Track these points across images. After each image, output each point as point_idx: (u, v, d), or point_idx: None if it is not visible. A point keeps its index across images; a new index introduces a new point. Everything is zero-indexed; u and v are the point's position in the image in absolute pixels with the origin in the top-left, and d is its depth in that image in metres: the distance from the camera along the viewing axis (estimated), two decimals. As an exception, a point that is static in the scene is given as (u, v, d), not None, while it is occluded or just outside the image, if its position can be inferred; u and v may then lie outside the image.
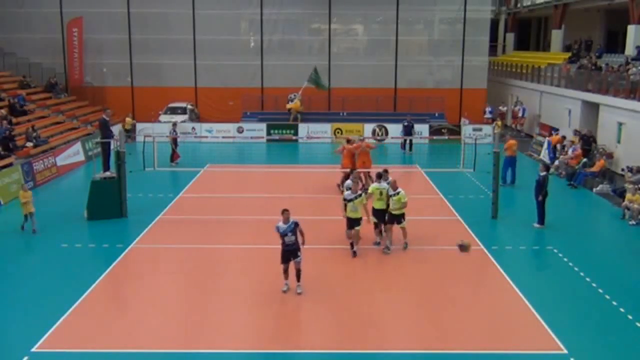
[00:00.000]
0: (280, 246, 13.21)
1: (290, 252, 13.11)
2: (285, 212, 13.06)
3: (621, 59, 30.42)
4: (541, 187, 17.91)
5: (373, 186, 16.16)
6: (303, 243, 13.25)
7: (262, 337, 11.51)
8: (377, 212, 16.01)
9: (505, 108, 39.41)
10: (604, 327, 11.99)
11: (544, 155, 29.02)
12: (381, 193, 15.84)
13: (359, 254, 15.59)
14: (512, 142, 23.70)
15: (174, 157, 26.58)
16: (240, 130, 34.06)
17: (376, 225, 16.23)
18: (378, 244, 16.22)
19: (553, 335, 11.44)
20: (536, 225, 18.26)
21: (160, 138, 26.54)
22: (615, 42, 34.38)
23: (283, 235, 13.02)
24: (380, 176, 16.28)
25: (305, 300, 12.97)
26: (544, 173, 18.01)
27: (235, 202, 20.73)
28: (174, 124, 29.10)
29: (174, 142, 26.97)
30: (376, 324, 11.96)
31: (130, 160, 19.81)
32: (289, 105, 35.40)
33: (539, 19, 50.84)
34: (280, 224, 13.07)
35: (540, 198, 18.03)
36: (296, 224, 13.09)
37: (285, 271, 13.25)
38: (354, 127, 34.38)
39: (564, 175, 24.94)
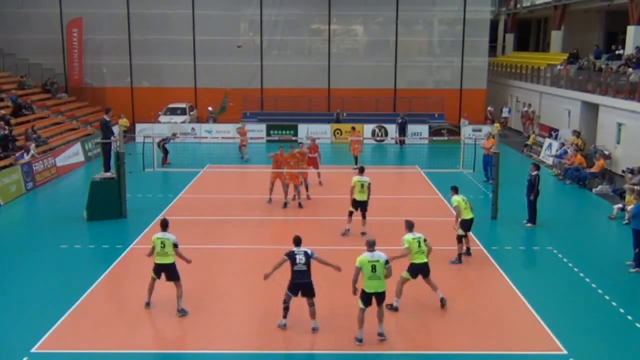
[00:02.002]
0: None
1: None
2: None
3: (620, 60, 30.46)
4: (532, 187, 18.10)
5: (355, 179, 16.91)
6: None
7: (262, 337, 11.50)
8: (357, 203, 16.93)
9: (507, 108, 39.42)
10: (604, 328, 11.99)
11: (547, 155, 29.07)
12: (362, 185, 16.80)
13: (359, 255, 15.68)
14: (488, 141, 23.64)
15: (163, 160, 26.84)
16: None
17: (350, 214, 17.11)
18: (348, 230, 17.14)
19: (553, 336, 11.44)
20: (527, 224, 18.42)
21: (160, 139, 26.58)
22: (615, 43, 34.35)
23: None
24: (362, 170, 17.29)
25: (305, 301, 12.95)
26: (535, 173, 18.17)
27: (235, 202, 20.72)
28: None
29: (164, 148, 27.06)
30: (375, 324, 11.95)
31: (130, 160, 19.82)
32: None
33: (539, 20, 50.89)
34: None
35: (532, 197, 18.20)
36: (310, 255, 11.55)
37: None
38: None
39: (563, 178, 24.96)
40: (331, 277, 14.34)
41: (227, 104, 36.45)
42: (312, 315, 11.64)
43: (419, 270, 12.37)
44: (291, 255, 11.45)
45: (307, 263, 11.42)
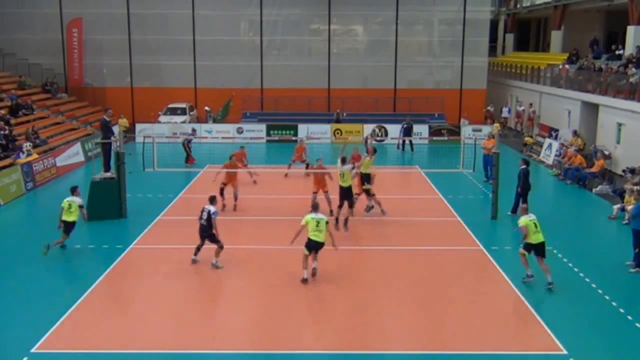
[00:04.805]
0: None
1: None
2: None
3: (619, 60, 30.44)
4: (519, 180, 18.79)
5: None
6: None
7: (262, 337, 11.51)
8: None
9: (507, 108, 39.37)
10: (604, 328, 12.00)
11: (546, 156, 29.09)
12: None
13: (359, 255, 15.74)
14: (487, 141, 23.66)
15: (189, 160, 27.08)
16: (239, 131, 34.11)
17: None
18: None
19: (553, 336, 11.44)
20: (510, 213, 19.06)
21: (160, 139, 26.56)
22: (615, 43, 34.34)
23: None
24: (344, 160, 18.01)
25: (306, 301, 12.98)
26: (523, 167, 18.84)
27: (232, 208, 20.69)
28: (193, 130, 29.50)
29: (188, 145, 27.26)
30: (376, 324, 11.97)
31: (130, 160, 19.81)
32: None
33: (539, 20, 50.88)
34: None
35: (519, 189, 18.82)
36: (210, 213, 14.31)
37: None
38: (353, 128, 34.44)
39: (563, 178, 24.97)
40: (338, 279, 14.37)
41: (229, 107, 36.44)
42: (216, 254, 14.45)
43: (314, 246, 13.78)
44: (201, 211, 14.36)
45: (208, 219, 14.13)
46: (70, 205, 15.60)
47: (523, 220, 13.70)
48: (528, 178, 18.77)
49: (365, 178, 18.42)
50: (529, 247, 13.69)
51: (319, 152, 30.37)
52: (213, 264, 14.49)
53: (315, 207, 14.39)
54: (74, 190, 16.09)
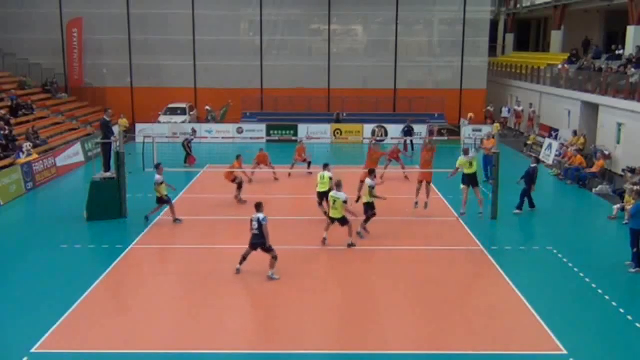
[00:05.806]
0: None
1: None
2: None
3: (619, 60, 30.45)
4: (527, 176, 19.44)
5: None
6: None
7: (262, 337, 11.52)
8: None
9: (507, 108, 39.33)
10: (604, 328, 12.01)
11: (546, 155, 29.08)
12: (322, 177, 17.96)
13: (359, 255, 15.79)
14: (487, 141, 23.72)
15: (189, 159, 27.07)
16: (239, 131, 34.12)
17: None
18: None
19: (552, 336, 11.44)
20: (517, 210, 19.59)
21: (160, 139, 26.56)
22: (615, 43, 34.36)
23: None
24: (326, 166, 18.24)
25: (306, 301, 12.98)
26: (534, 165, 19.55)
27: (235, 202, 20.72)
28: (193, 130, 29.93)
29: (188, 145, 27.30)
30: (376, 324, 11.97)
31: (130, 160, 19.82)
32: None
33: (539, 20, 50.91)
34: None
35: (525, 187, 19.56)
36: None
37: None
38: (353, 128, 34.45)
39: (563, 178, 24.97)
40: (339, 280, 14.37)
41: (226, 113, 36.47)
42: (271, 265, 13.82)
43: (333, 220, 15.77)
44: (250, 221, 13.74)
45: (259, 227, 13.54)
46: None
47: (459, 160, 17.15)
48: (536, 176, 19.60)
49: (369, 207, 17.00)
50: (464, 178, 16.99)
51: (319, 152, 30.44)
52: (269, 277, 13.79)
53: (337, 185, 15.64)
54: (157, 167, 18.10)
